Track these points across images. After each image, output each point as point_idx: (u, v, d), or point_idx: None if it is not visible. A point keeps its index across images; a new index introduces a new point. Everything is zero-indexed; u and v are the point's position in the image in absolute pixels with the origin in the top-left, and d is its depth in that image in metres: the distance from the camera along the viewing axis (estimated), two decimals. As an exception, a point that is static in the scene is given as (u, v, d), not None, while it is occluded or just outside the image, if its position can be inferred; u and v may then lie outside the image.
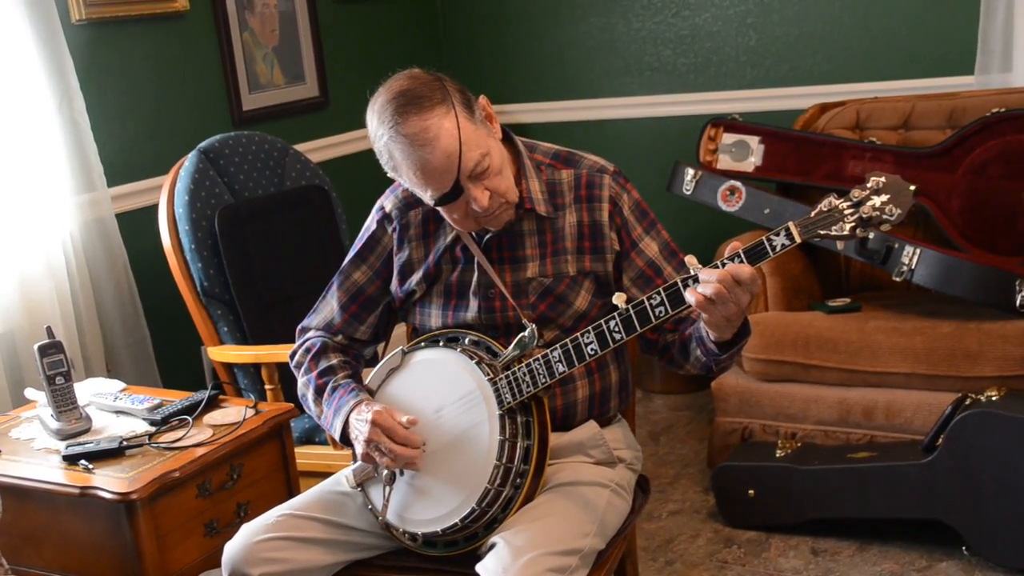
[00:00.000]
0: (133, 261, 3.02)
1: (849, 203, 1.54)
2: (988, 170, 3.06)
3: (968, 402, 2.50)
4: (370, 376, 1.93)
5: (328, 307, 2.01)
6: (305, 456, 2.58)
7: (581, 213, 1.87)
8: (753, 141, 3.35)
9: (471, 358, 1.79)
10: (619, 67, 4.07)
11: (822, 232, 1.54)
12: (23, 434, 2.32)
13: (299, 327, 2.05)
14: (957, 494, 2.51)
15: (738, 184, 3.17)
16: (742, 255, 1.57)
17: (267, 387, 2.60)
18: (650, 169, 3.75)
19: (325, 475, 2.47)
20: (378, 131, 1.73)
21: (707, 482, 3.07)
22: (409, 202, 1.92)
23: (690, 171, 3.27)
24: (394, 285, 1.95)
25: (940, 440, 2.51)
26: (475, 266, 1.88)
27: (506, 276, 1.87)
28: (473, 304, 1.88)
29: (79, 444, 2.17)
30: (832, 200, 1.55)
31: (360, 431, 1.79)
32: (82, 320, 2.89)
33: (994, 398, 2.48)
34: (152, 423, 2.27)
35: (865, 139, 3.28)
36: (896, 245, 2.72)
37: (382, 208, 1.97)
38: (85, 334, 2.90)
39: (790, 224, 1.55)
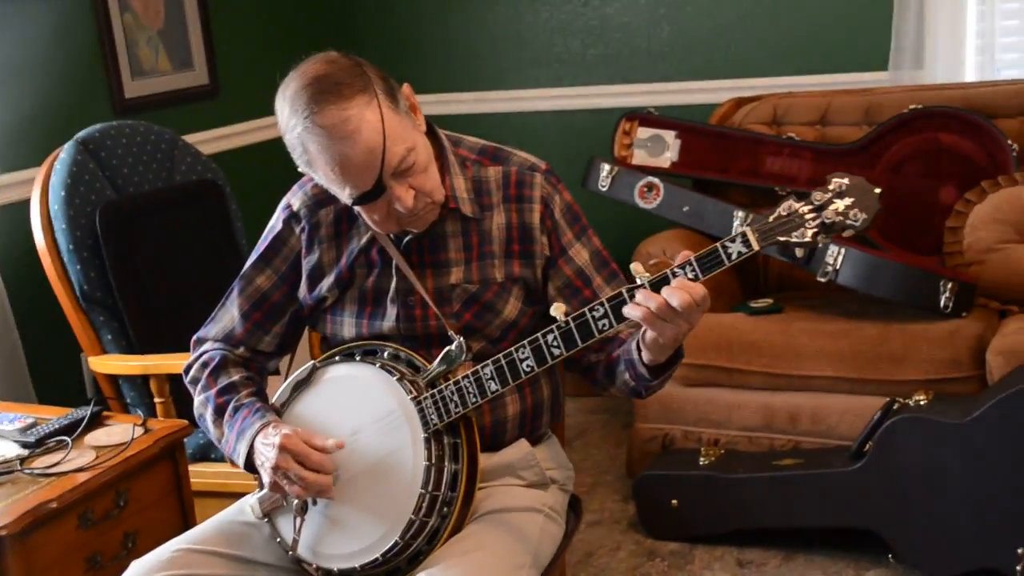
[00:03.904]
0: (3, 260, 2.75)
1: (810, 207, 1.43)
2: (905, 168, 3.04)
3: (896, 407, 2.45)
4: (277, 393, 1.75)
5: (228, 316, 1.81)
6: (200, 475, 2.36)
7: (510, 214, 1.72)
8: (669, 136, 3.26)
9: (391, 374, 1.63)
10: (527, 58, 3.94)
11: (782, 239, 1.43)
12: None
13: (194, 338, 1.85)
14: (885, 501, 2.46)
15: (656, 180, 3.08)
16: (694, 263, 1.45)
17: (157, 400, 2.38)
18: (560, 164, 3.58)
19: (222, 495, 2.28)
20: (290, 121, 1.55)
21: (625, 490, 2.96)
22: (319, 199, 1.74)
23: (605, 166, 3.17)
24: (302, 291, 1.77)
25: (868, 446, 2.45)
26: (393, 270, 1.71)
27: (427, 282, 1.71)
28: (391, 312, 1.72)
29: (-63, 472, 1.93)
30: (792, 204, 1.44)
31: (267, 457, 1.61)
32: (-56, 327, 2.61)
33: (922, 402, 2.44)
34: (25, 445, 2.04)
35: (783, 135, 3.22)
36: (820, 245, 2.65)
37: (289, 207, 1.78)
38: (-53, 342, 2.62)
39: (747, 230, 1.44)
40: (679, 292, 1.43)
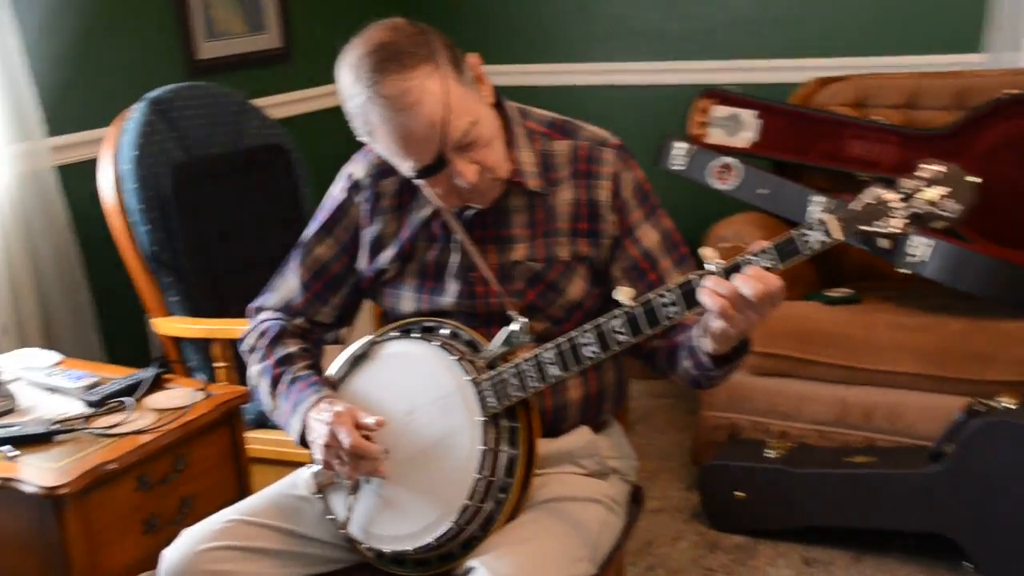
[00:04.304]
0: (76, 219, 2.76)
1: (900, 195, 1.33)
2: (999, 156, 2.88)
3: (981, 409, 2.33)
4: (333, 366, 1.70)
5: (287, 285, 1.78)
6: (257, 441, 2.35)
7: (578, 190, 1.65)
8: (748, 115, 3.14)
9: (451, 353, 1.57)
10: (599, 30, 3.82)
11: (866, 228, 1.33)
12: (-65, 415, 2.06)
13: (251, 306, 1.83)
14: (965, 507, 2.34)
15: (732, 161, 2.97)
16: (772, 251, 1.37)
17: (218, 365, 2.36)
18: (631, 141, 3.50)
19: (279, 463, 2.26)
20: (353, 89, 1.49)
21: (689, 478, 2.89)
22: (383, 169, 1.69)
23: (681, 146, 3.06)
24: (362, 262, 1.73)
25: (949, 449, 2.33)
26: (456, 245, 1.65)
27: (490, 258, 1.64)
28: (452, 288, 1.66)
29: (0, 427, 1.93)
30: (877, 190, 1.34)
31: (319, 434, 1.57)
32: (16, 282, 2.63)
33: (1011, 407, 2.30)
34: (89, 403, 2.03)
35: (868, 117, 3.08)
36: (906, 236, 2.54)
37: (350, 176, 1.73)
38: (20, 298, 2.65)
39: (826, 217, 1.35)
40: (753, 281, 1.35)
